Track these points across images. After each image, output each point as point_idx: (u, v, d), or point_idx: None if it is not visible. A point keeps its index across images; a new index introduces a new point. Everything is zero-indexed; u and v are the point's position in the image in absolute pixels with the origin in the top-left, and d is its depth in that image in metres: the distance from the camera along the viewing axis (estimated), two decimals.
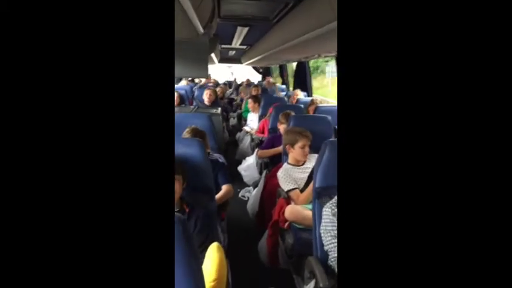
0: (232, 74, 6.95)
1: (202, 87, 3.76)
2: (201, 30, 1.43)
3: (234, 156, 3.16)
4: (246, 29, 2.43)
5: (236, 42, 3.36)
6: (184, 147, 1.10)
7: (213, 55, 3.30)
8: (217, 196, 1.47)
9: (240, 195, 2.63)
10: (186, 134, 1.54)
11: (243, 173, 2.67)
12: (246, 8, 1.92)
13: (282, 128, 2.21)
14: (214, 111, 2.02)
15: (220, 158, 1.59)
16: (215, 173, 1.53)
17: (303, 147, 1.61)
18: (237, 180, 2.66)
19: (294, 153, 1.63)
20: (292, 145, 1.63)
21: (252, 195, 2.27)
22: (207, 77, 2.01)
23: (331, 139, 1.23)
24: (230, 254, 1.64)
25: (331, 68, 4.40)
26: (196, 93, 3.65)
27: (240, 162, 2.71)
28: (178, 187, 1.01)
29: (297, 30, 1.77)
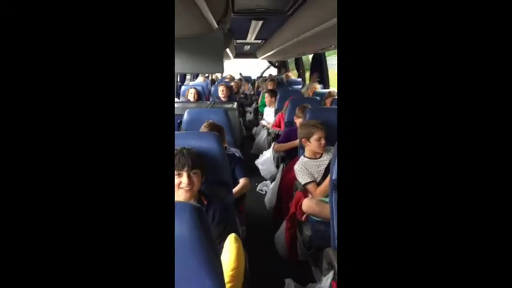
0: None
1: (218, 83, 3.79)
2: (215, 25, 1.44)
3: (251, 150, 3.18)
4: (260, 23, 2.41)
5: (251, 37, 3.35)
6: (202, 141, 1.12)
7: (228, 50, 3.31)
8: (235, 189, 1.49)
9: (257, 189, 2.65)
10: (203, 128, 1.57)
11: (260, 167, 2.69)
12: (260, 2, 1.91)
13: (298, 122, 2.20)
14: (230, 106, 2.03)
15: (237, 152, 1.61)
16: (232, 167, 1.56)
17: (318, 140, 1.60)
18: (255, 174, 2.69)
19: (310, 146, 1.62)
20: (308, 138, 1.62)
21: (269, 188, 2.28)
22: (223, 72, 2.01)
23: None
24: (248, 246, 1.66)
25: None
26: (212, 89, 3.69)
27: (256, 157, 2.73)
28: (197, 181, 1.04)
29: (312, 21, 1.74)
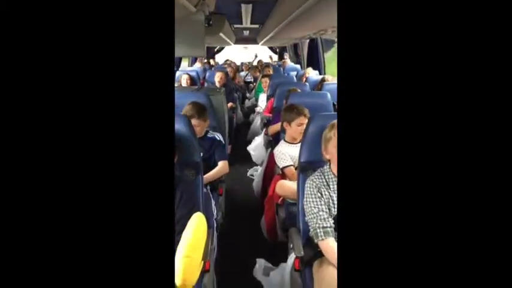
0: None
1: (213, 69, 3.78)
2: (193, 8, 1.43)
3: (246, 136, 3.20)
4: (250, 6, 2.38)
5: (246, 21, 3.31)
6: None
7: (223, 36, 3.28)
8: (212, 172, 1.52)
9: (248, 174, 2.69)
10: (186, 107, 1.56)
11: (251, 152, 2.71)
12: None
13: None
14: (216, 90, 2.03)
15: (218, 136, 1.62)
16: (212, 150, 1.58)
17: (299, 125, 1.60)
18: (247, 160, 2.72)
19: (291, 130, 1.63)
20: (289, 123, 1.63)
21: (257, 173, 2.31)
22: (204, 56, 1.99)
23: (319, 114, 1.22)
24: (229, 228, 1.70)
25: None
26: (207, 74, 3.68)
27: (251, 143, 2.75)
28: None
29: (296, 3, 1.72)
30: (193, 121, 1.42)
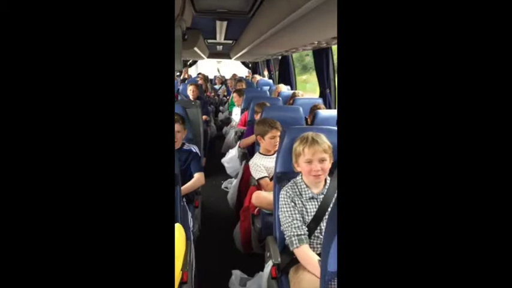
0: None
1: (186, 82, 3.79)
2: None
3: (220, 149, 3.22)
4: (225, 23, 2.46)
5: (220, 37, 3.39)
6: None
7: (197, 50, 3.32)
8: (190, 183, 1.52)
9: (222, 186, 2.70)
10: None
11: (226, 165, 2.73)
12: (221, 3, 1.96)
13: (258, 117, 2.27)
14: (191, 103, 2.06)
15: (194, 148, 1.64)
16: (188, 162, 1.59)
17: (272, 138, 1.67)
18: (221, 173, 2.73)
19: (264, 143, 1.69)
20: (263, 136, 1.69)
21: (232, 185, 2.33)
22: (181, 70, 2.02)
23: (293, 127, 1.29)
24: (204, 240, 1.70)
25: None
26: (180, 88, 3.69)
27: (225, 155, 2.78)
28: None
29: (270, 22, 1.82)
30: (177, 126, 1.45)
